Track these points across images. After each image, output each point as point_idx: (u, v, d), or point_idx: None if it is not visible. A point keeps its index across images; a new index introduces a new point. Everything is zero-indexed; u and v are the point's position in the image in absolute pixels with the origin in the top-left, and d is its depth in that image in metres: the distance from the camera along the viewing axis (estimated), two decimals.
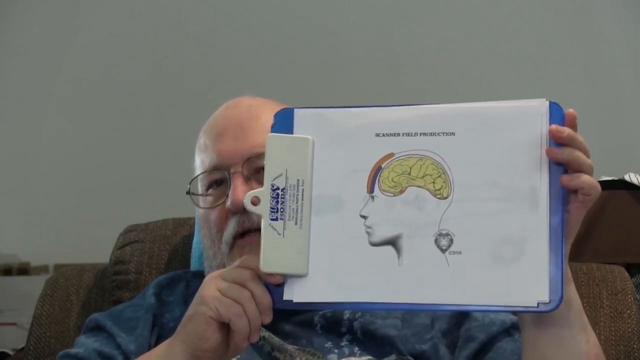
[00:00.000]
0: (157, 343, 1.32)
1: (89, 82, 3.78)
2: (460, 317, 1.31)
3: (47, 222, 3.75)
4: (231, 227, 1.32)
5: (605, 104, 3.41)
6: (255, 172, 1.34)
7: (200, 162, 1.39)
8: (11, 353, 2.68)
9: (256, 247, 1.26)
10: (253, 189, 1.28)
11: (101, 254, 1.88)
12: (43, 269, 3.66)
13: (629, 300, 1.54)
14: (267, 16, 3.73)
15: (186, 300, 1.38)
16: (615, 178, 2.26)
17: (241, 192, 1.30)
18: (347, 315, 1.32)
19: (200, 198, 1.38)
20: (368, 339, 1.30)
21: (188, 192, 1.38)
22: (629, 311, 1.54)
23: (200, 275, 1.43)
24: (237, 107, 1.40)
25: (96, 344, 1.34)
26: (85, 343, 1.35)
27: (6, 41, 3.68)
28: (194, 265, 1.55)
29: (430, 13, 3.61)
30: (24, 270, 3.69)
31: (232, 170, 1.33)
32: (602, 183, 2.25)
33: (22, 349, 1.72)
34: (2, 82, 3.70)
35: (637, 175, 2.21)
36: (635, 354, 1.51)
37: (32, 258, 3.73)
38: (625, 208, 2.21)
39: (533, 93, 3.46)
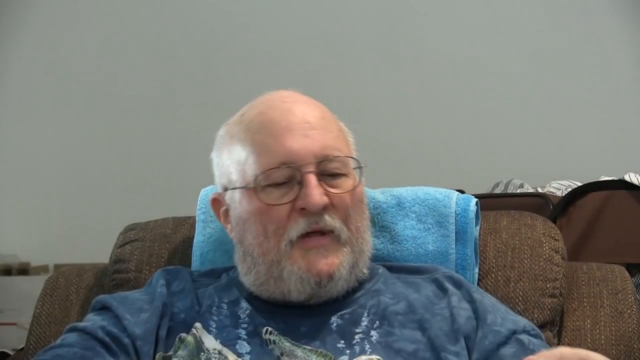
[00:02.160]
0: (168, 334, 1.32)
1: (89, 81, 3.78)
2: (478, 321, 1.33)
3: (47, 222, 3.75)
4: (301, 227, 1.30)
5: (605, 104, 3.41)
6: (322, 173, 1.33)
7: (259, 156, 1.34)
8: (11, 353, 2.68)
9: (322, 251, 1.28)
10: (325, 190, 1.32)
11: (101, 253, 1.88)
12: (43, 269, 3.66)
13: (630, 300, 1.54)
14: (266, 15, 3.73)
15: (196, 293, 1.38)
16: (615, 178, 2.26)
17: (319, 194, 1.30)
18: (365, 322, 1.33)
19: (258, 191, 1.33)
20: (383, 346, 1.30)
21: (253, 187, 1.33)
22: (629, 311, 1.53)
23: (208, 275, 1.43)
24: (295, 102, 1.38)
25: (104, 322, 1.33)
26: (93, 319, 1.35)
27: (7, 41, 3.67)
28: (195, 265, 1.55)
29: (430, 13, 3.60)
30: (24, 270, 3.69)
31: (305, 170, 1.31)
32: (602, 183, 2.25)
33: (22, 349, 1.72)
34: (2, 82, 3.70)
35: (637, 175, 2.21)
36: (636, 354, 1.50)
37: (32, 258, 3.73)
38: (625, 208, 2.21)
39: (533, 93, 3.43)
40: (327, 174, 1.33)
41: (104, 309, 1.37)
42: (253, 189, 1.33)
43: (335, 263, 1.31)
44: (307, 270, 1.30)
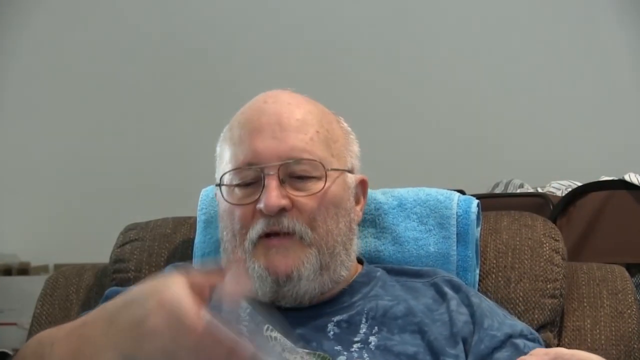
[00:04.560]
0: None
1: (89, 82, 3.78)
2: (474, 325, 1.33)
3: (47, 222, 3.75)
4: (259, 228, 1.30)
5: (605, 104, 3.41)
6: (289, 176, 1.32)
7: (232, 155, 1.35)
8: (11, 353, 2.68)
9: (282, 250, 1.28)
10: (287, 193, 1.31)
11: (101, 253, 1.88)
12: (43, 269, 3.66)
13: (629, 300, 1.54)
14: (267, 15, 3.72)
15: None
16: (615, 178, 2.26)
17: (275, 197, 1.29)
18: (363, 329, 1.32)
19: (225, 190, 1.35)
20: (382, 351, 1.29)
21: (218, 184, 1.36)
22: (629, 311, 1.54)
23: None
24: (276, 103, 1.37)
25: None
26: None
27: (7, 41, 3.67)
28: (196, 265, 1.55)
29: (430, 13, 3.60)
30: (24, 270, 3.69)
31: (267, 172, 1.31)
32: (602, 183, 2.25)
33: None
34: (2, 82, 3.69)
35: (637, 175, 2.21)
36: (636, 354, 1.50)
37: (32, 258, 3.72)
38: (625, 208, 2.21)
39: (533, 93, 3.43)
40: (295, 176, 1.32)
41: None
42: (221, 187, 1.35)
43: (295, 263, 1.30)
44: (266, 269, 1.30)
